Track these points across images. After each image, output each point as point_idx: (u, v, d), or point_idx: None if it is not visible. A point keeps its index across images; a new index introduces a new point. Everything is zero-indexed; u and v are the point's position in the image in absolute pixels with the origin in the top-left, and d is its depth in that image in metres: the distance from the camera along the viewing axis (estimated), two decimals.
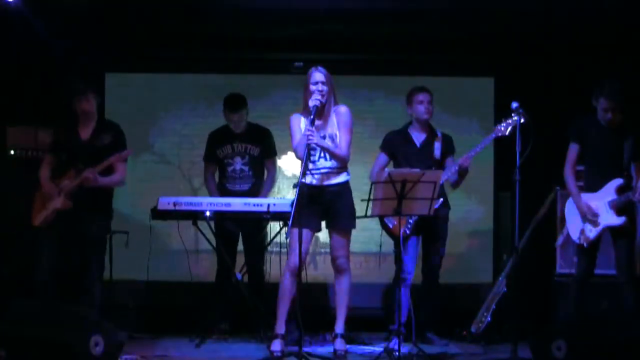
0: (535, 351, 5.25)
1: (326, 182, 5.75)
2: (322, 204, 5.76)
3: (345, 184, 5.84)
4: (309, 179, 5.69)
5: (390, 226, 6.16)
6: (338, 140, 5.74)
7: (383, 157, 6.44)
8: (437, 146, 6.35)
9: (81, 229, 5.97)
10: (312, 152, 5.71)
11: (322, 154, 5.74)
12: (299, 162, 5.71)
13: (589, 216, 5.78)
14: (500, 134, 5.89)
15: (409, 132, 6.41)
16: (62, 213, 5.95)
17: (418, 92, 6.33)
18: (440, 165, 6.30)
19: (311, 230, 5.78)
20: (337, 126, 5.75)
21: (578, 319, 5.62)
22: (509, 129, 5.79)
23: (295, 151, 5.77)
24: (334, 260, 5.86)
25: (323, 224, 5.93)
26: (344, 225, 5.81)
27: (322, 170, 5.75)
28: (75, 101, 6.03)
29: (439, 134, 6.40)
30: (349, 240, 5.85)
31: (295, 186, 5.48)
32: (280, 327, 5.79)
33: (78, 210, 5.95)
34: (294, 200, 5.51)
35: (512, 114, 5.72)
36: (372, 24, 6.98)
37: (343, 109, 5.81)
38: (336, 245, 5.83)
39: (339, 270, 5.85)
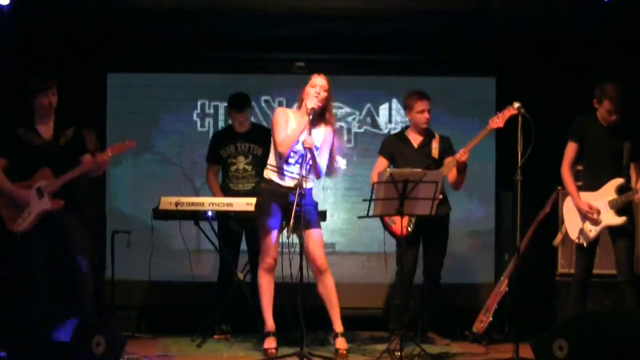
0: (536, 351, 5.25)
1: (294, 185, 5.66)
2: (288, 206, 5.67)
3: (311, 189, 5.84)
4: (276, 177, 5.72)
5: (392, 225, 6.15)
6: (321, 153, 5.74)
7: (383, 161, 6.43)
8: (435, 146, 6.36)
9: (60, 226, 5.88)
10: (291, 155, 5.71)
11: (299, 160, 5.72)
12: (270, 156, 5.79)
13: (590, 215, 5.77)
14: (495, 127, 5.92)
15: (406, 134, 6.43)
16: (44, 214, 5.85)
17: (418, 100, 6.32)
18: (439, 165, 6.30)
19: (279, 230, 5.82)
20: (324, 143, 5.75)
21: (579, 318, 5.61)
22: (504, 120, 5.83)
23: (280, 145, 5.69)
24: (314, 261, 5.76)
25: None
26: (315, 226, 5.78)
27: (295, 175, 5.70)
28: (41, 96, 5.84)
29: (436, 136, 6.41)
30: (322, 240, 5.82)
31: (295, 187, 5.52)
32: (271, 325, 5.80)
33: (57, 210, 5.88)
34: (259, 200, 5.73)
35: (507, 106, 5.74)
36: (372, 24, 6.98)
37: (334, 129, 5.83)
38: (313, 247, 5.74)
39: (321, 270, 5.77)
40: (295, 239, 5.61)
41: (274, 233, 5.72)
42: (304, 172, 5.62)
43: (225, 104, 7.27)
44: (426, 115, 6.32)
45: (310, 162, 5.68)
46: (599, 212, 5.76)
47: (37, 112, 5.93)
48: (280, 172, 5.73)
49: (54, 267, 5.95)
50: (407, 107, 6.39)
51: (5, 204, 5.90)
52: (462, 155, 6.05)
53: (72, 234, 5.88)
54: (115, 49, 7.32)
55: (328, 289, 5.79)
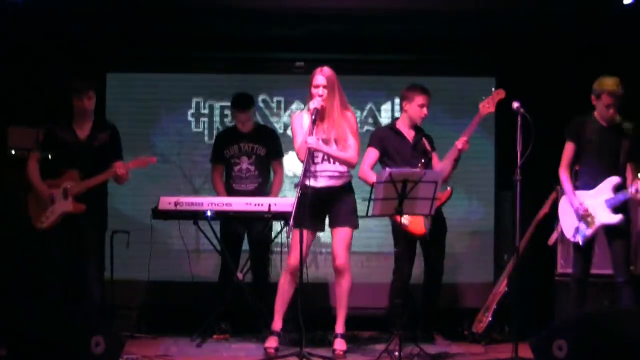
0: (536, 351, 5.24)
1: (327, 184, 5.74)
2: (322, 205, 5.76)
3: (346, 185, 5.85)
4: (311, 181, 5.71)
5: (407, 223, 6.08)
6: (346, 143, 5.74)
7: (373, 153, 6.37)
8: (426, 142, 6.37)
9: (79, 229, 5.96)
10: (315, 154, 5.72)
11: (325, 157, 5.75)
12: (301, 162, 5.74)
13: (580, 212, 5.77)
14: (487, 112, 5.94)
15: (398, 128, 6.40)
16: (65, 215, 5.96)
17: (420, 93, 6.31)
18: (430, 161, 6.30)
19: (312, 231, 5.79)
20: (347, 131, 5.75)
21: (579, 318, 5.61)
22: (494, 104, 5.89)
23: (297, 153, 5.78)
24: (333, 260, 5.85)
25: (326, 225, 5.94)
26: (342, 224, 5.80)
27: (325, 173, 5.74)
28: (76, 99, 6.00)
29: (424, 131, 6.41)
30: (348, 240, 5.83)
31: (296, 186, 5.51)
32: (277, 325, 5.80)
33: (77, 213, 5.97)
34: (295, 201, 5.57)
35: (492, 89, 5.75)
36: (372, 24, 6.98)
37: (351, 114, 5.84)
38: (336, 245, 5.83)
39: (338, 270, 5.83)
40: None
41: (298, 233, 5.53)
42: (324, 167, 5.70)
43: (222, 103, 7.28)
44: (425, 110, 6.31)
45: (327, 158, 5.70)
46: (591, 215, 5.75)
47: (75, 112, 6.05)
48: (309, 173, 5.71)
49: (65, 267, 5.99)
50: (406, 99, 6.35)
51: (35, 200, 6.03)
52: (464, 144, 6.06)
53: (86, 236, 5.98)
54: (114, 48, 7.32)
55: (341, 290, 5.84)
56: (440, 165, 6.16)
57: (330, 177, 5.77)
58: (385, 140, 6.37)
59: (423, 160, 6.20)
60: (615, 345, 4.95)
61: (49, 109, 6.99)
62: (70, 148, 6.03)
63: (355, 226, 5.86)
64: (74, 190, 5.95)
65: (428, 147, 6.34)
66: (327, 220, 5.90)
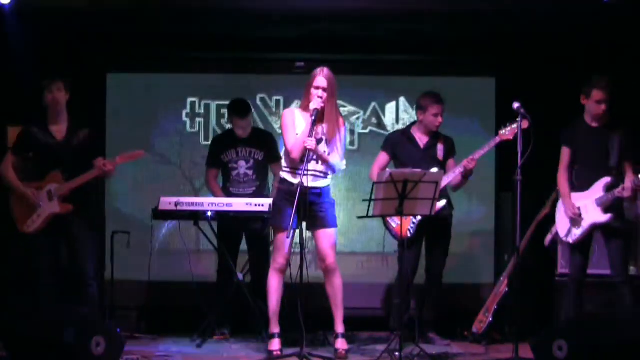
0: (536, 351, 5.25)
1: (311, 184, 5.67)
2: (303, 204, 5.67)
3: (328, 187, 5.85)
4: (291, 177, 5.72)
5: (394, 225, 6.14)
6: (332, 148, 5.74)
7: (384, 157, 6.42)
8: (440, 148, 6.36)
9: (69, 231, 5.90)
10: (305, 154, 5.69)
11: (314, 157, 5.72)
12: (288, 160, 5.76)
13: (571, 216, 5.82)
14: (504, 139, 5.92)
15: (412, 133, 6.41)
16: (53, 217, 5.88)
17: (434, 103, 6.28)
18: (443, 166, 6.30)
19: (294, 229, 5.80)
20: (337, 138, 5.75)
21: (579, 318, 5.62)
22: (514, 133, 5.82)
23: (290, 151, 5.72)
24: (323, 261, 5.80)
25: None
26: (330, 226, 5.80)
27: (311, 173, 5.70)
28: (47, 92, 5.86)
29: (441, 136, 6.40)
30: (335, 240, 5.83)
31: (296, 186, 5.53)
32: (275, 327, 5.80)
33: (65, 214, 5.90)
34: (275, 200, 5.76)
35: (517, 119, 5.71)
36: (372, 24, 6.98)
37: (342, 121, 5.82)
38: (325, 246, 5.79)
39: (329, 270, 5.80)
40: (296, 238, 5.61)
41: (287, 233, 5.62)
42: (311, 167, 5.65)
43: (217, 102, 7.28)
44: (439, 119, 6.30)
45: (316, 159, 5.69)
46: (580, 216, 5.78)
47: (49, 112, 5.94)
48: (295, 172, 5.72)
49: (60, 269, 5.97)
50: (421, 108, 6.36)
51: (19, 204, 5.93)
52: (469, 163, 6.06)
53: (80, 237, 5.90)
54: (114, 49, 7.31)
55: (335, 289, 5.81)
56: (445, 177, 6.15)
57: (316, 177, 5.75)
58: (396, 146, 6.39)
59: (433, 167, 6.17)
60: (614, 345, 4.95)
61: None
62: (49, 149, 5.90)
63: (337, 226, 5.88)
64: (59, 192, 5.84)
65: (440, 154, 6.33)
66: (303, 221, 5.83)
